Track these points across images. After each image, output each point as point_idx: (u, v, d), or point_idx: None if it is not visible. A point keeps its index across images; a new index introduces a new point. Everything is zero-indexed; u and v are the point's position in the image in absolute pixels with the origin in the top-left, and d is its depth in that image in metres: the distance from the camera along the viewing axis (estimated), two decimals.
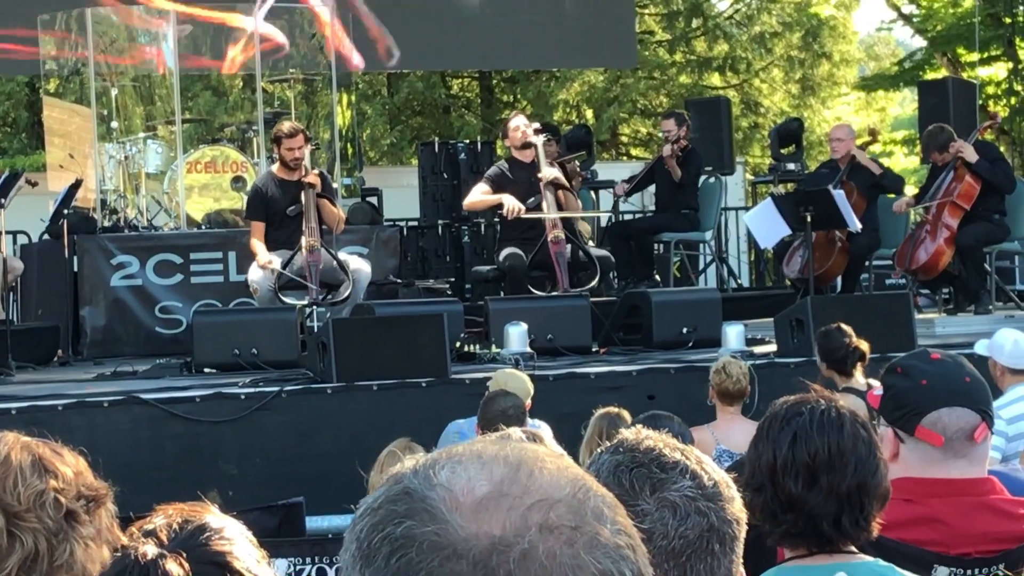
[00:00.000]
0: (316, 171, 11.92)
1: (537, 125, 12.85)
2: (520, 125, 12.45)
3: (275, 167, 12.11)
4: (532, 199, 12.08)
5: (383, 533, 1.36)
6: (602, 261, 12.25)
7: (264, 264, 11.42)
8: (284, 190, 11.80)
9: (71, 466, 2.93)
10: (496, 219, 14.08)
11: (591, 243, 13.27)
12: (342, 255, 11.69)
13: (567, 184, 12.36)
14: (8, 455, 2.86)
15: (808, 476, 3.11)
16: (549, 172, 12.17)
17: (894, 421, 3.57)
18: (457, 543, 1.33)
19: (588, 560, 1.34)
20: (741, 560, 2.09)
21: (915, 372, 3.58)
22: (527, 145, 12.24)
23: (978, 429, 3.52)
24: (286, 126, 12.20)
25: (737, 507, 2.10)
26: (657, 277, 14.47)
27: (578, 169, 14.95)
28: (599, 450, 2.18)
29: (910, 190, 13.69)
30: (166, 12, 15.03)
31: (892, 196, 13.44)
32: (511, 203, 12.02)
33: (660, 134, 14.80)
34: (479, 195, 12.43)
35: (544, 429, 7.08)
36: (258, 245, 11.65)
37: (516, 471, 1.37)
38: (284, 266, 11.42)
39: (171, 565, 2.16)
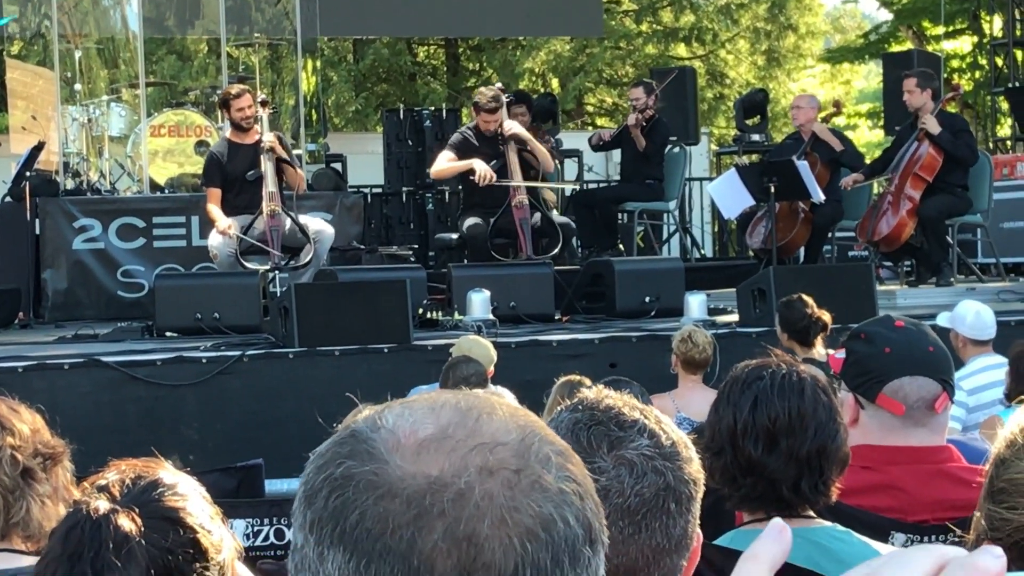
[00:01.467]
0: (273, 134, 11.80)
1: (501, 86, 12.74)
2: (490, 120, 12.17)
3: (228, 132, 12.01)
4: (495, 162, 11.98)
5: (325, 474, 1.36)
6: (564, 228, 12.22)
7: (224, 230, 11.35)
8: (241, 154, 11.69)
9: (28, 423, 2.92)
10: (460, 186, 14.06)
11: (555, 211, 13.25)
12: (303, 218, 11.63)
13: (528, 137, 12.18)
14: None
15: (768, 440, 3.11)
16: (509, 125, 12.07)
17: (855, 387, 3.58)
18: (393, 482, 1.32)
19: (526, 503, 1.32)
20: (698, 521, 2.09)
21: (879, 339, 3.58)
22: (492, 110, 12.10)
23: (939, 399, 3.53)
24: (233, 88, 12.12)
25: (695, 468, 2.10)
26: (621, 246, 14.48)
27: (548, 138, 14.93)
28: (559, 408, 2.17)
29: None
30: None
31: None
32: (482, 168, 11.87)
33: (628, 103, 14.78)
34: (446, 162, 12.29)
35: (507, 395, 7.08)
36: (216, 211, 11.58)
37: (464, 416, 1.37)
38: (245, 231, 11.36)
39: (123, 520, 2.14)
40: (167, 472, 2.26)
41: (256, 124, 11.69)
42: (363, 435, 1.37)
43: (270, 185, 11.45)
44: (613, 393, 2.15)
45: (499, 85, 12.75)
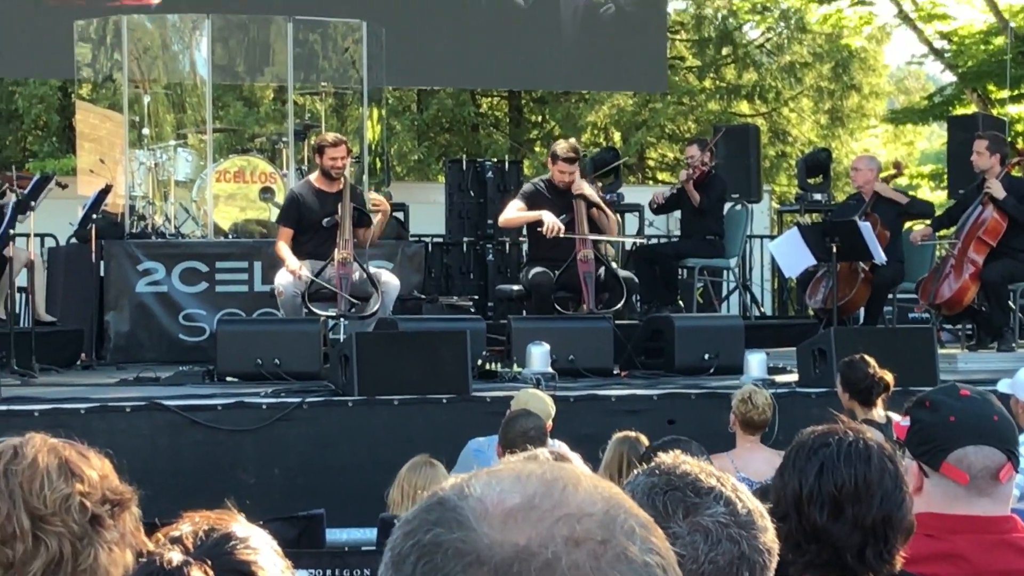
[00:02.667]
0: (377, 197, 11.97)
1: (576, 149, 12.68)
2: (570, 171, 12.22)
3: (313, 176, 12.09)
4: (565, 216, 12.00)
5: (413, 540, 1.38)
6: (628, 283, 12.22)
7: (294, 270, 11.41)
8: (321, 200, 11.78)
9: (97, 469, 2.93)
10: (521, 238, 14.07)
11: (615, 264, 13.24)
12: (372, 268, 11.69)
13: (599, 201, 12.27)
14: (35, 458, 2.86)
15: (834, 507, 3.10)
16: (580, 185, 12.11)
17: (920, 455, 3.56)
18: (481, 550, 1.34)
19: (612, 574, 1.34)
20: None
21: (943, 407, 3.57)
22: (571, 160, 12.14)
23: (1004, 469, 3.51)
24: (330, 136, 12.24)
25: (769, 537, 2.10)
26: (680, 302, 14.46)
27: (600, 191, 14.95)
28: (636, 472, 2.18)
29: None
30: (200, 22, 15.08)
31: (917, 224, 13.45)
32: (551, 220, 11.88)
33: (685, 161, 14.80)
34: (515, 211, 12.31)
35: (562, 448, 7.08)
36: (285, 250, 11.63)
37: (550, 486, 1.39)
38: (316, 275, 11.41)
39: (196, 573, 2.16)
40: (240, 525, 2.27)
41: (343, 174, 11.84)
42: (451, 503, 1.39)
43: (345, 232, 11.51)
44: (690, 459, 2.15)
45: (573, 140, 12.79)
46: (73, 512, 2.82)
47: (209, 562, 2.18)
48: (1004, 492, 3.55)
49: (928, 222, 13.49)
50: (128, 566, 2.84)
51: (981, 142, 12.81)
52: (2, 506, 2.80)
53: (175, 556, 2.18)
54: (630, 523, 1.38)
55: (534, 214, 12.08)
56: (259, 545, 2.25)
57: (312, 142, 13.34)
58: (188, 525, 2.26)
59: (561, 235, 11.86)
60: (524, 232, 13.17)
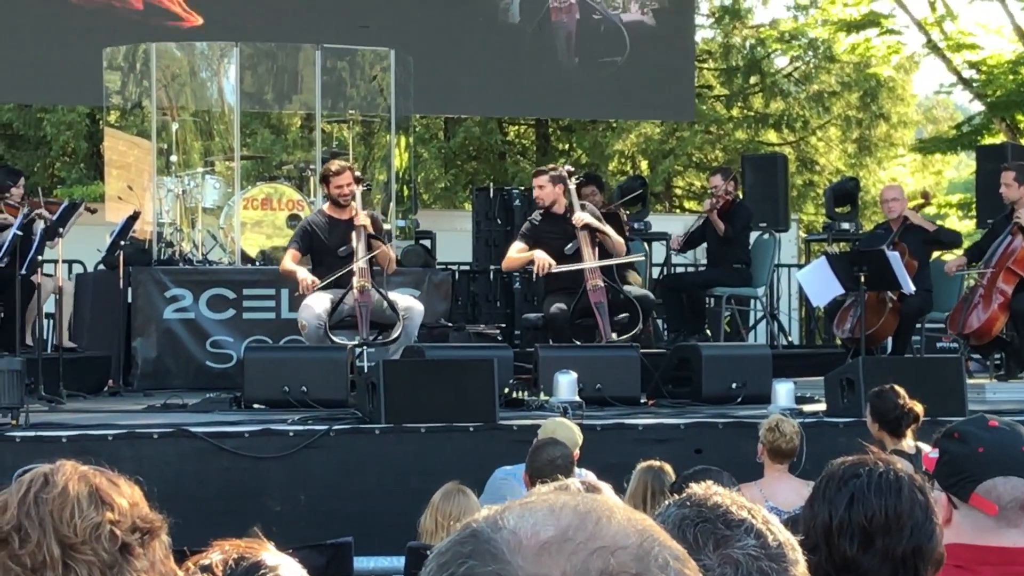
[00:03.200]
0: (367, 212, 11.92)
1: (570, 167, 12.80)
2: (540, 184, 12.33)
3: (326, 206, 12.12)
4: (569, 246, 12.03)
5: (448, 573, 1.38)
6: (642, 301, 12.17)
7: (304, 279, 11.41)
8: (335, 229, 11.80)
9: (127, 497, 2.93)
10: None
11: (627, 287, 13.22)
12: (392, 295, 11.69)
13: (600, 226, 12.22)
14: (66, 486, 2.86)
15: (864, 538, 3.09)
16: (581, 216, 12.12)
17: (948, 487, 3.55)
18: None
19: None
20: None
21: (972, 439, 3.56)
22: (551, 204, 12.24)
23: None
24: (334, 164, 12.25)
25: (801, 570, 2.09)
26: (708, 331, 14.45)
27: (625, 219, 14.95)
28: (666, 502, 2.18)
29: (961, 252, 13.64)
30: (229, 50, 15.14)
31: (946, 255, 13.40)
32: (542, 259, 11.93)
33: (709, 191, 14.81)
34: (514, 253, 12.37)
35: (590, 477, 7.07)
36: (291, 264, 11.67)
37: (584, 519, 1.38)
38: (335, 307, 11.43)
39: None
40: (270, 553, 2.28)
41: (352, 201, 11.80)
42: (485, 535, 1.39)
43: (360, 262, 11.51)
44: (722, 490, 2.15)
45: (567, 167, 12.81)
46: (104, 541, 2.82)
47: None
48: None
49: (960, 251, 13.46)
50: None
51: (1008, 173, 12.77)
52: (32, 534, 2.81)
53: None
54: (664, 556, 1.38)
55: (527, 256, 12.14)
56: (289, 574, 2.25)
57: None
58: (218, 554, 2.26)
59: (553, 270, 11.92)
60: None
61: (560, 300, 12.00)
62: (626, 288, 12.36)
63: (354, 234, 11.63)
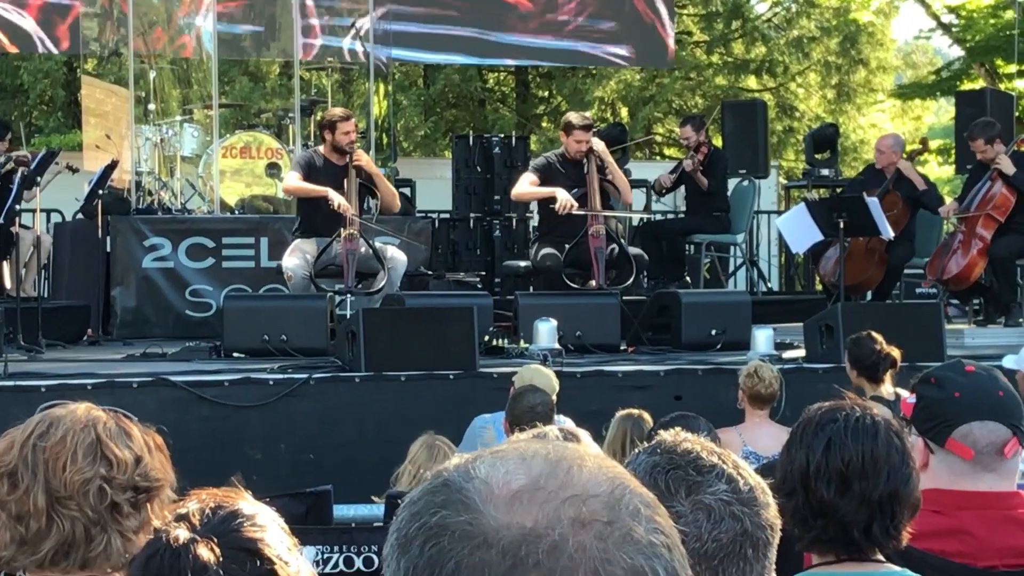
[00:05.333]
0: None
1: (592, 125, 12.58)
2: (584, 139, 12.12)
3: (321, 148, 11.97)
4: (577, 190, 11.89)
5: (419, 523, 1.38)
6: (637, 260, 12.16)
7: (334, 198, 11.33)
8: (331, 173, 11.70)
9: (136, 450, 2.89)
10: (528, 213, 14.04)
11: (623, 240, 13.22)
12: (378, 244, 11.66)
13: (611, 161, 12.08)
14: (65, 436, 2.84)
15: (841, 482, 3.10)
16: (595, 143, 11.96)
17: (925, 432, 3.57)
18: (488, 533, 1.34)
19: (619, 555, 1.34)
20: (774, 566, 2.09)
21: (948, 384, 3.57)
22: (586, 127, 12.03)
23: (1008, 444, 3.51)
24: (339, 110, 12.17)
25: (772, 513, 2.10)
26: (688, 278, 14.45)
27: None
28: (637, 450, 2.18)
29: (948, 201, 13.62)
30: None
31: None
32: (564, 197, 11.72)
33: (681, 141, 14.75)
34: (528, 186, 12.12)
35: (568, 424, 7.08)
36: (306, 184, 11.59)
37: (555, 467, 1.39)
38: (321, 253, 11.40)
39: (202, 550, 2.16)
40: (247, 502, 2.27)
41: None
42: (456, 485, 1.39)
43: (351, 209, 11.45)
44: (691, 437, 2.15)
45: (584, 113, 12.71)
46: (91, 497, 2.81)
47: (215, 539, 2.18)
48: (1010, 468, 3.56)
49: (955, 196, 13.46)
50: None
51: (977, 143, 12.71)
52: (23, 480, 2.80)
53: (181, 534, 2.19)
54: (635, 503, 1.38)
55: (547, 190, 11.92)
56: (266, 522, 2.25)
57: (319, 118, 13.29)
58: (195, 503, 2.26)
59: (574, 212, 11.76)
60: (531, 207, 13.13)
61: (552, 247, 11.92)
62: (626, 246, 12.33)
63: (346, 181, 11.54)
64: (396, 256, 11.68)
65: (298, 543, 2.31)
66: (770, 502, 2.11)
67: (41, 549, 2.80)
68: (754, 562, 2.05)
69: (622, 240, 12.59)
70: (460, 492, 1.38)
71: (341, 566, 4.40)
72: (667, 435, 2.17)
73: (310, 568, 2.31)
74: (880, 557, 3.14)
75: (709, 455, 2.11)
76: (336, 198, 11.33)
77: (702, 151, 14.10)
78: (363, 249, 11.45)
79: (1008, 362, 8.05)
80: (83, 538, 2.80)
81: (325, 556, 4.40)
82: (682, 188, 14.79)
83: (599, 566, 1.33)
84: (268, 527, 2.24)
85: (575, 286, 11.84)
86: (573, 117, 12.26)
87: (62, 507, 2.80)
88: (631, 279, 12.01)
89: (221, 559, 2.16)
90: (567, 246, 11.78)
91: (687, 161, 14.10)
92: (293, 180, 11.71)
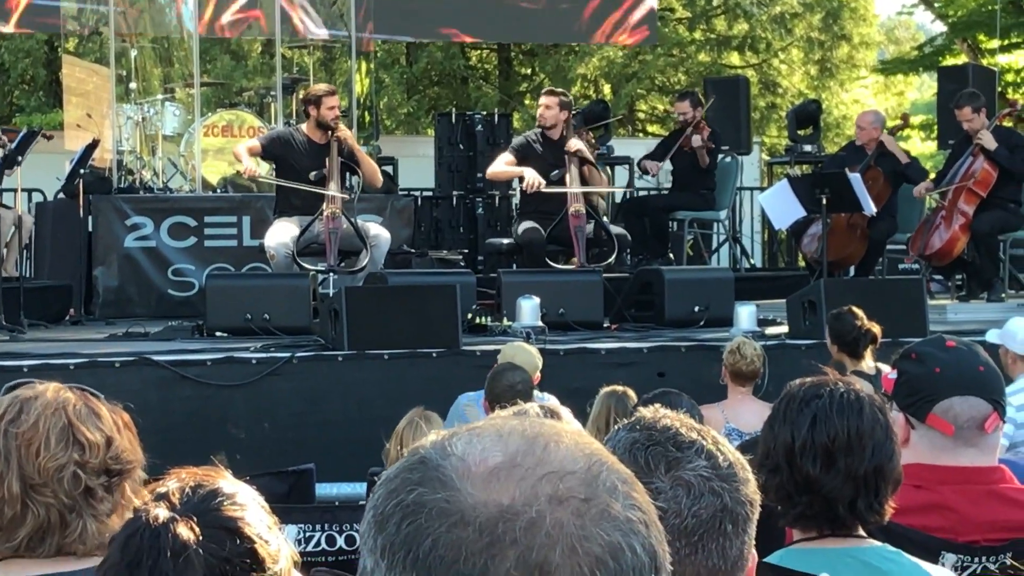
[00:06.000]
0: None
1: (568, 99, 12.69)
2: (547, 104, 12.28)
3: (304, 127, 11.98)
4: (556, 172, 11.98)
5: (396, 500, 1.38)
6: (619, 239, 12.19)
7: (247, 168, 11.42)
8: (311, 152, 11.67)
9: (106, 431, 2.88)
10: (511, 191, 14.05)
11: (605, 218, 13.23)
12: (360, 222, 11.64)
13: (591, 158, 12.23)
14: (37, 421, 2.83)
15: (826, 458, 3.11)
16: (575, 143, 12.07)
17: (906, 407, 3.57)
18: (465, 510, 1.34)
19: (596, 532, 1.34)
20: (753, 542, 2.09)
21: (929, 359, 3.57)
22: (552, 126, 12.16)
23: (989, 419, 3.51)
24: (322, 86, 12.16)
25: (751, 489, 2.10)
26: (671, 255, 14.46)
27: (593, 142, 14.90)
28: (616, 427, 2.18)
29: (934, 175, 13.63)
30: None
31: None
32: (532, 177, 11.87)
33: (676, 116, 14.71)
34: (502, 165, 12.30)
35: (552, 401, 7.08)
36: (243, 152, 11.64)
37: (532, 444, 1.39)
38: (303, 231, 11.39)
39: (182, 529, 2.16)
40: (227, 481, 2.27)
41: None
42: (433, 462, 1.39)
43: (332, 187, 11.43)
44: (670, 413, 2.15)
45: (567, 99, 12.74)
46: (65, 483, 2.80)
47: (195, 518, 2.18)
48: (990, 442, 3.56)
49: (932, 177, 13.47)
50: None
51: (964, 111, 12.73)
52: None
53: (161, 513, 2.18)
54: (612, 479, 1.38)
55: (517, 170, 12.09)
56: (246, 501, 2.25)
57: (301, 95, 13.26)
58: (174, 481, 2.25)
59: (543, 189, 11.85)
60: (514, 185, 13.14)
61: (534, 223, 11.95)
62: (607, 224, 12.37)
63: (327, 159, 11.53)
64: (379, 234, 11.66)
65: (279, 522, 2.31)
66: (750, 478, 2.11)
67: (16, 536, 2.80)
68: (734, 538, 2.05)
69: (604, 218, 12.61)
70: (437, 469, 1.38)
71: (323, 544, 4.40)
72: (647, 411, 2.17)
73: (291, 546, 2.31)
74: (862, 532, 3.14)
75: (688, 431, 2.11)
76: (250, 168, 11.45)
77: (704, 128, 14.05)
78: (345, 226, 11.45)
79: (992, 336, 8.08)
80: (58, 524, 2.79)
81: (307, 534, 4.40)
82: (667, 165, 14.74)
83: (576, 543, 1.33)
84: (248, 506, 2.23)
85: (556, 265, 11.86)
86: (542, 100, 12.50)
87: (36, 494, 2.79)
88: (612, 257, 12.03)
89: (201, 538, 2.15)
90: (548, 225, 11.83)
91: (696, 137, 13.99)
92: (241, 148, 11.77)
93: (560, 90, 12.71)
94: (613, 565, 1.34)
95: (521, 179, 12.03)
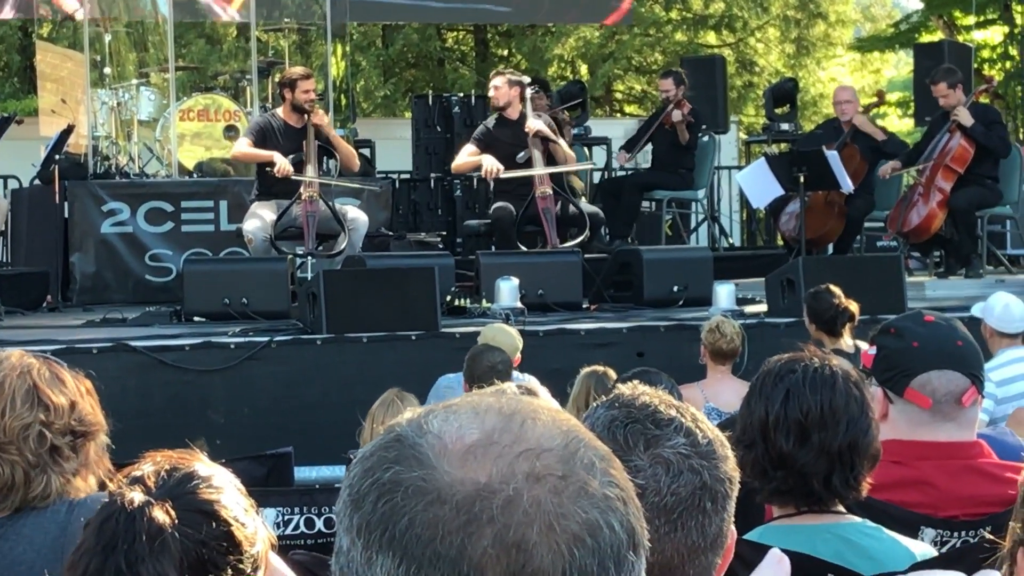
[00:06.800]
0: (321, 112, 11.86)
1: (527, 78, 12.74)
2: (496, 85, 12.32)
3: (280, 111, 11.95)
4: (521, 154, 11.98)
5: (372, 479, 1.37)
6: (592, 217, 12.18)
7: (279, 163, 11.31)
8: (289, 136, 11.64)
9: (69, 394, 2.92)
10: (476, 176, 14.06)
11: (584, 199, 13.22)
12: (338, 205, 11.62)
13: (553, 136, 12.19)
14: (3, 383, 2.86)
15: (800, 433, 3.11)
16: (534, 124, 12.05)
17: (884, 381, 3.57)
18: (442, 488, 1.33)
19: (573, 509, 1.34)
20: (732, 519, 2.09)
21: (907, 333, 3.57)
22: (505, 106, 12.17)
23: (967, 393, 3.51)
24: (298, 69, 12.15)
25: (730, 466, 2.09)
26: (633, 239, 14.31)
27: (567, 119, 14.88)
28: (594, 404, 2.17)
29: None
30: None
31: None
32: (489, 165, 11.86)
33: (659, 94, 14.68)
34: (465, 157, 12.32)
35: (531, 382, 7.08)
36: (254, 149, 11.57)
37: (508, 421, 1.38)
38: (281, 215, 11.36)
39: (157, 512, 2.15)
40: (202, 464, 2.26)
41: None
42: (409, 440, 1.38)
43: (310, 171, 11.40)
44: (649, 390, 2.14)
45: (525, 78, 12.74)
46: (31, 442, 2.83)
47: (171, 502, 2.17)
48: (969, 417, 3.56)
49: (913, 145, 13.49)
50: (91, 489, 2.87)
51: (940, 86, 12.73)
52: None
53: (136, 496, 2.17)
54: (589, 456, 1.37)
55: (476, 160, 12.09)
56: (222, 484, 2.24)
57: (277, 78, 13.23)
58: (150, 465, 2.24)
59: (501, 175, 11.86)
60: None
61: (506, 202, 11.96)
62: (579, 203, 12.36)
63: (305, 143, 11.51)
64: (357, 217, 11.64)
65: (256, 505, 2.30)
66: (729, 455, 2.10)
67: None
68: (713, 515, 2.04)
69: (576, 198, 12.59)
70: (413, 447, 1.37)
71: (302, 527, 4.39)
72: (625, 389, 2.16)
73: (268, 529, 2.30)
74: (840, 508, 3.15)
75: (667, 408, 2.11)
76: (281, 162, 11.30)
77: (685, 105, 14.02)
78: (323, 210, 11.42)
79: (977, 310, 8.11)
80: (23, 481, 2.82)
81: (286, 517, 4.39)
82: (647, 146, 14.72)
83: (554, 520, 1.32)
84: (224, 489, 2.23)
85: (523, 248, 11.85)
86: (491, 82, 12.57)
87: (3, 452, 2.81)
88: (584, 236, 12.00)
89: (176, 521, 2.15)
90: (520, 208, 11.84)
91: (676, 112, 13.95)
92: (242, 146, 11.74)
93: (507, 70, 12.71)
94: (591, 542, 1.33)
95: (479, 168, 12.04)
